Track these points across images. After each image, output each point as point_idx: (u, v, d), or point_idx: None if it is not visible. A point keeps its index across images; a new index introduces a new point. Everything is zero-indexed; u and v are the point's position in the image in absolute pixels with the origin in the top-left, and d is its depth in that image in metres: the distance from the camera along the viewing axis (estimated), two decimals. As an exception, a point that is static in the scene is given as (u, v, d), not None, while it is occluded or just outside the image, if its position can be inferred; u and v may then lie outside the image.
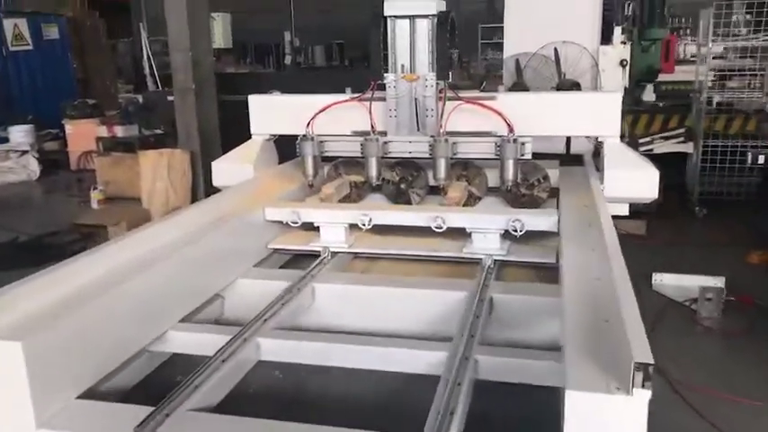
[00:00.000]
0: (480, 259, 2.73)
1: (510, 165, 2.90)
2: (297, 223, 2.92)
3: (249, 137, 3.64)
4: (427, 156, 3.04)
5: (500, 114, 2.90)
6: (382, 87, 3.09)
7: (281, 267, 3.06)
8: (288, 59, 16.17)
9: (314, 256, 2.90)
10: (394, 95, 3.06)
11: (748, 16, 6.33)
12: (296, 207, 2.98)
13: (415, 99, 3.02)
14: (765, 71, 5.65)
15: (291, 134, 3.37)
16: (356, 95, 3.16)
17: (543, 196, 3.23)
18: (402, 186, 3.33)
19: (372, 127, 3.06)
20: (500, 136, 2.93)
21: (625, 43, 5.43)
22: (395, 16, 2.99)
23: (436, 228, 2.77)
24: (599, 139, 3.11)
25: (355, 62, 16.88)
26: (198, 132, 6.18)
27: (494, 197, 3.36)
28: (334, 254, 2.88)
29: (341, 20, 17.53)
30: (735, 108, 6.16)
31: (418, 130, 3.05)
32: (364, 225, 2.85)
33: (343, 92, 3.36)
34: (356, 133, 3.20)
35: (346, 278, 2.74)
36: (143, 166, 6.05)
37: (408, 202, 3.37)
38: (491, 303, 2.40)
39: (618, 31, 5.39)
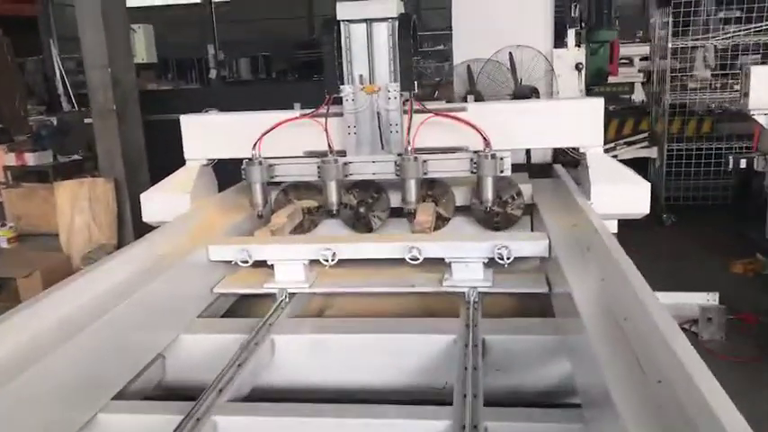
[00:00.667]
0: (463, 292, 2.42)
1: (488, 183, 2.61)
2: (247, 262, 2.55)
3: (179, 161, 3.23)
4: (393, 177, 2.72)
5: (475, 128, 2.61)
6: (339, 101, 2.75)
7: (229, 314, 2.67)
8: (212, 73, 15.60)
9: (268, 296, 2.54)
10: (352, 110, 2.73)
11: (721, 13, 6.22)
12: (245, 243, 2.60)
13: (378, 113, 2.70)
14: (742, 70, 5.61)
15: (233, 158, 3.00)
16: (308, 111, 2.81)
17: (517, 214, 2.98)
18: (361, 210, 3.00)
19: (329, 146, 2.71)
20: (476, 151, 2.64)
21: (579, 46, 5.27)
22: (349, 20, 2.66)
23: (411, 259, 2.45)
24: (581, 150, 2.85)
25: (282, 75, 16.49)
26: (122, 158, 5.65)
27: (462, 217, 3.07)
28: (292, 295, 2.52)
29: (266, 32, 17.14)
30: (691, 110, 6.09)
31: (382, 148, 2.72)
32: (327, 261, 2.49)
33: (276, 106, 3.03)
34: (310, 154, 2.85)
35: (310, 326, 2.38)
36: (60, 198, 5.46)
37: (369, 228, 3.05)
38: (484, 346, 2.09)
39: (572, 33, 5.23)
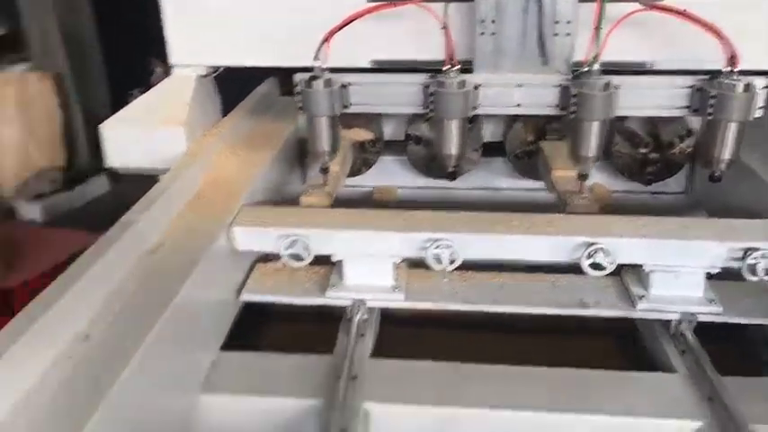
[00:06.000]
0: (667, 321, 1.59)
1: (733, 131, 1.62)
2: (302, 260, 1.58)
3: (152, 51, 2.15)
4: (557, 112, 1.71)
5: (714, 30, 1.58)
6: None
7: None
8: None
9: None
10: (492, -8, 1.66)
11: None
12: (298, 225, 1.61)
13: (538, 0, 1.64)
14: None
15: (259, 66, 2.02)
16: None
17: (681, 162, 2.20)
18: None
19: (450, 55, 1.65)
20: (710, 72, 1.64)
21: None
22: None
23: (592, 266, 1.51)
24: None
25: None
26: (62, 40, 4.34)
27: None
28: (370, 311, 1.64)
29: None
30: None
31: (544, 61, 1.68)
32: (441, 263, 1.54)
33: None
34: (406, 65, 1.83)
35: (432, 383, 1.43)
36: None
37: (452, 174, 2.17)
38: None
39: None
